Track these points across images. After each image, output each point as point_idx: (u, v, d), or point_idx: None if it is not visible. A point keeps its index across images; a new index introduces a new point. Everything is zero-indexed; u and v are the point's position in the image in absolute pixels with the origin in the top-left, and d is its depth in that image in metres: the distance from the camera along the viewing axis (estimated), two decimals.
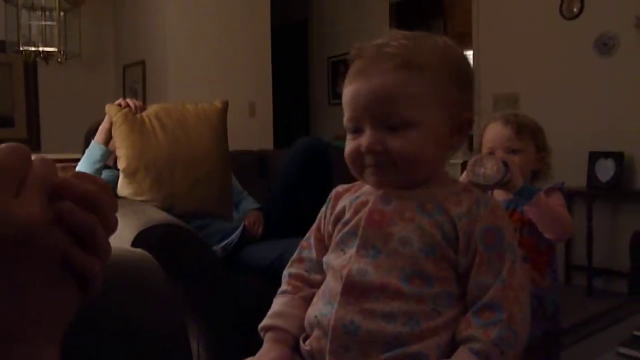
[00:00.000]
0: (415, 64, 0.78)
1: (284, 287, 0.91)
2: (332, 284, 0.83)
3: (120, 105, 2.18)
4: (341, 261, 0.82)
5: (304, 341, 0.83)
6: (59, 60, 4.39)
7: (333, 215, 0.89)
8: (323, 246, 0.90)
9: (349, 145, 0.83)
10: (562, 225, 1.38)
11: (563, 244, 3.85)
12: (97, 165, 2.19)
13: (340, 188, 0.93)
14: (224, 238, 2.09)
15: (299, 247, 0.94)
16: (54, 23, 4.33)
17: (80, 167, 2.22)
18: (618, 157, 3.65)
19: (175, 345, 1.12)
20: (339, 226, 0.86)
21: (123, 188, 2.11)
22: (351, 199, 0.87)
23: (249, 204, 2.44)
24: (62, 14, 4.36)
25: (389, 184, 0.83)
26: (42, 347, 0.39)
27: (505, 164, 1.34)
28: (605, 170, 3.68)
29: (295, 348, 0.84)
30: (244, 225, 2.12)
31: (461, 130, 0.83)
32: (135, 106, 2.20)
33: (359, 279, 0.78)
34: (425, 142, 0.79)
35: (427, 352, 0.74)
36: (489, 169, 1.34)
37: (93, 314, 1.04)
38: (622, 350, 1.23)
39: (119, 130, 2.12)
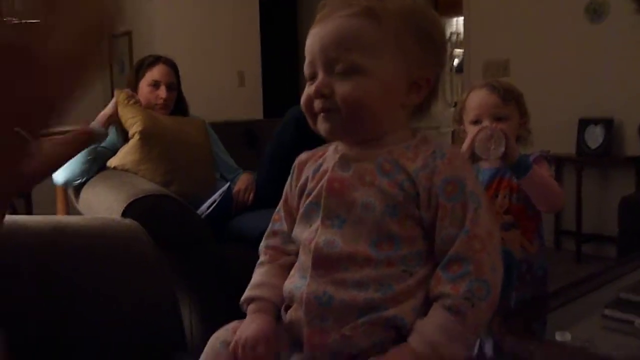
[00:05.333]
0: (375, 13, 0.77)
1: (261, 258, 0.90)
2: (303, 258, 0.82)
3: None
4: (308, 234, 0.81)
5: (286, 310, 0.83)
6: None
7: (298, 187, 0.87)
8: (292, 219, 0.88)
9: (305, 92, 0.81)
10: (554, 198, 1.38)
11: None
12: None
13: (303, 156, 0.92)
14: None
15: (271, 220, 0.93)
16: None
17: None
18: (607, 124, 3.65)
19: (166, 313, 1.12)
20: (303, 198, 0.85)
21: (130, 153, 2.12)
22: (314, 169, 0.86)
23: None
24: None
25: (338, 132, 0.81)
26: None
27: (506, 137, 1.33)
28: (595, 136, 3.69)
29: (279, 316, 0.84)
30: (229, 186, 2.12)
31: (419, 89, 0.81)
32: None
33: (327, 251, 0.77)
34: (372, 91, 0.77)
35: (402, 316, 0.74)
36: (500, 145, 1.31)
37: (84, 282, 1.04)
38: (608, 312, 1.25)
39: (132, 105, 2.21)
